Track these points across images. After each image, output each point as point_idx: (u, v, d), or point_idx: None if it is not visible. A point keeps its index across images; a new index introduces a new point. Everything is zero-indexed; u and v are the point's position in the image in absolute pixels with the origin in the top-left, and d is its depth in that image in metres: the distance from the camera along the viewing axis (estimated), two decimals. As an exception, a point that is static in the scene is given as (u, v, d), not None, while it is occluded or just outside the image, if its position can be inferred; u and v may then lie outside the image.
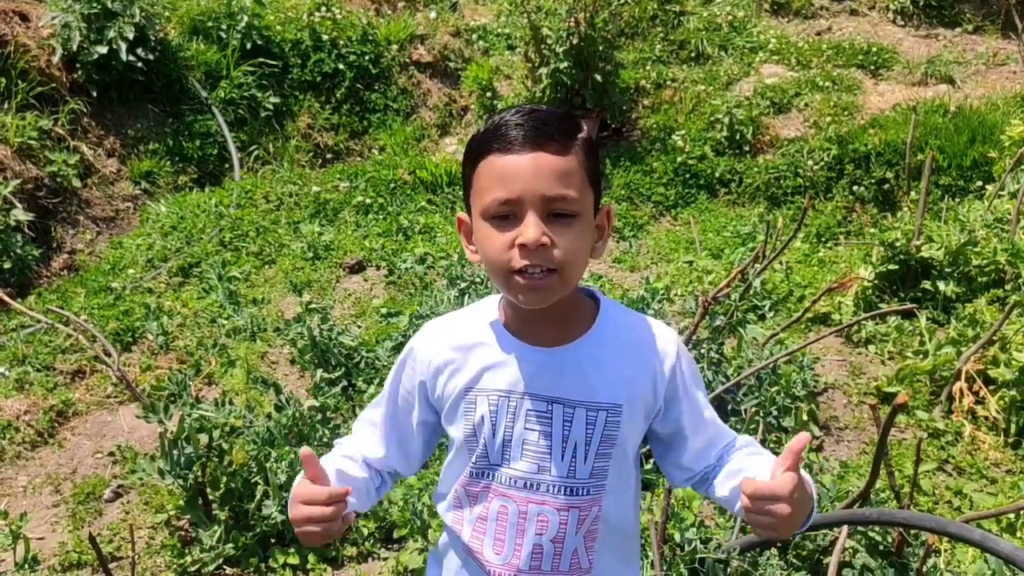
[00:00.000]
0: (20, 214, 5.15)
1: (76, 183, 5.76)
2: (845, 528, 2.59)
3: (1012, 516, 3.05)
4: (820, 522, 2.56)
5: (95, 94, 6.19)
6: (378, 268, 5.43)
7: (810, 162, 6.27)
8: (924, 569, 2.56)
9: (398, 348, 3.90)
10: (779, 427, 3.60)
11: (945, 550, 3.00)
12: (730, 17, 8.16)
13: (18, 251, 5.02)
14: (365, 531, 3.18)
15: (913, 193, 5.57)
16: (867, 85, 7.16)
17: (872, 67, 7.43)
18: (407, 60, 7.68)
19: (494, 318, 1.50)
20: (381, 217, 6.09)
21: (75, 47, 6.02)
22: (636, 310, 3.71)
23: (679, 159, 6.50)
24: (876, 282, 4.62)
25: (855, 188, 6.10)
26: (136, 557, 3.05)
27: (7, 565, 2.96)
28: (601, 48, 6.53)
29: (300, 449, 1.40)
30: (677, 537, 2.97)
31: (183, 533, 3.23)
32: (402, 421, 1.57)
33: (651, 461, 3.16)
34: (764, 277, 4.78)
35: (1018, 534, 3.04)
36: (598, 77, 6.52)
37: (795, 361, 3.84)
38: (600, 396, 1.44)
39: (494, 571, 1.49)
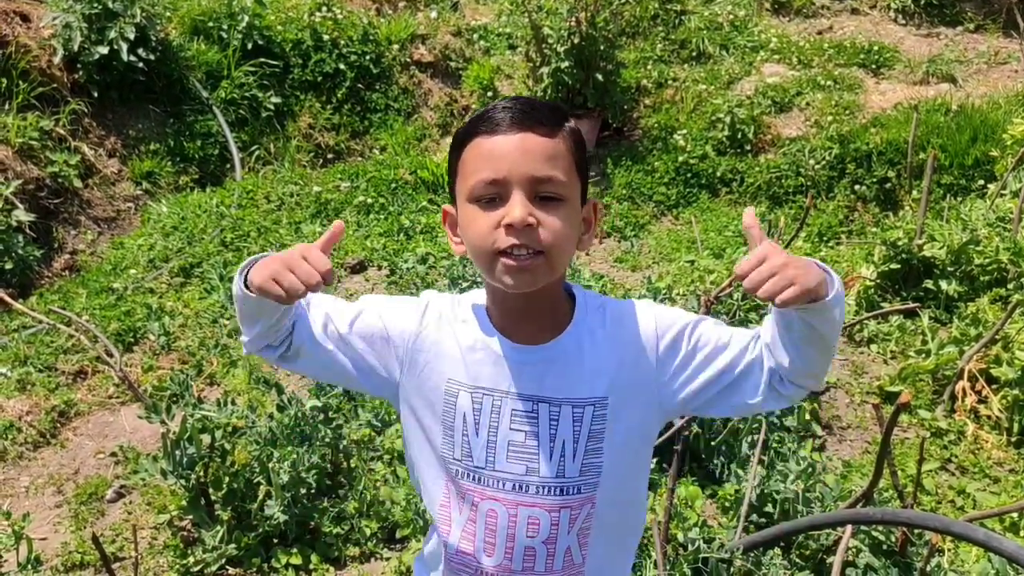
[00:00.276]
0: (21, 215, 5.15)
1: (77, 183, 5.76)
2: (849, 528, 2.59)
3: (1015, 515, 3.05)
4: (824, 522, 2.56)
5: (96, 94, 6.18)
6: (380, 268, 5.42)
7: (812, 161, 6.26)
8: (928, 568, 2.56)
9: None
10: (782, 426, 3.60)
11: (948, 549, 3.00)
12: (731, 16, 8.15)
13: (19, 252, 5.02)
14: (368, 531, 3.18)
15: (915, 192, 5.57)
16: (868, 84, 7.15)
17: (873, 66, 7.42)
18: (408, 60, 7.67)
19: (481, 314, 1.49)
20: (382, 217, 6.09)
21: (76, 47, 6.02)
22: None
23: (680, 158, 6.50)
24: (878, 281, 4.62)
25: (857, 187, 6.09)
26: (139, 557, 3.05)
27: (10, 565, 2.96)
28: (602, 47, 6.53)
29: (336, 222, 1.35)
30: (680, 537, 2.96)
31: (185, 533, 3.23)
32: (352, 341, 1.48)
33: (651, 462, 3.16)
34: (766, 276, 4.76)
35: (1022, 533, 3.04)
36: (599, 76, 6.52)
37: (797, 360, 3.83)
38: (585, 391, 1.42)
39: (487, 572, 1.48)
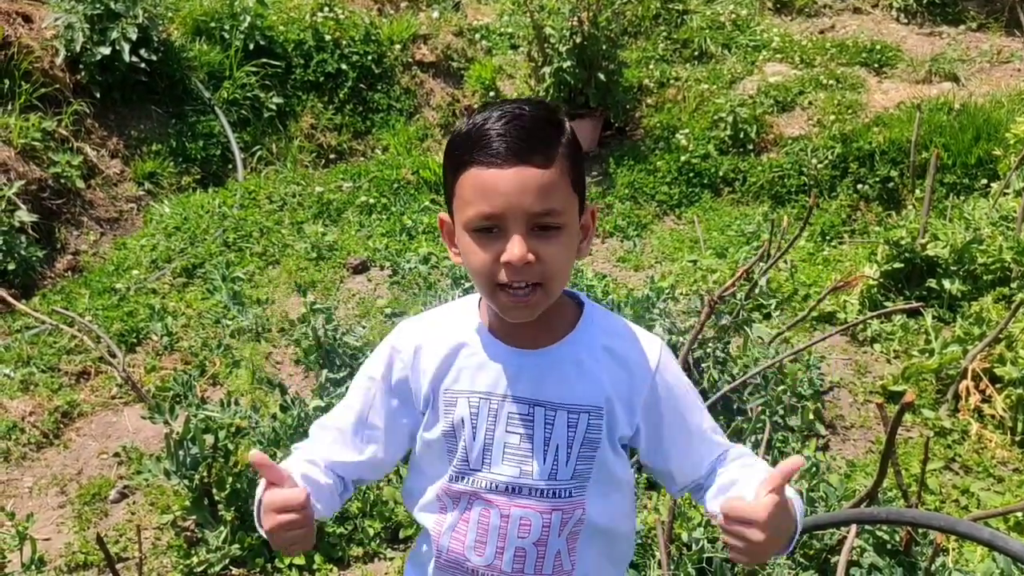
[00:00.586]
0: (24, 215, 5.15)
1: (80, 184, 5.76)
2: (853, 527, 2.58)
3: (1020, 515, 3.04)
4: (828, 521, 2.56)
5: (98, 95, 6.19)
6: (382, 268, 5.42)
7: (814, 160, 6.26)
8: (932, 568, 2.55)
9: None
10: (785, 426, 3.60)
11: (953, 549, 3.00)
12: (733, 16, 8.15)
13: (22, 252, 5.02)
14: (371, 531, 3.18)
15: (918, 191, 5.56)
16: (871, 83, 7.14)
17: (876, 65, 7.41)
18: (410, 60, 7.67)
19: (474, 317, 1.48)
20: (385, 217, 6.09)
21: (78, 48, 6.02)
22: (642, 309, 3.72)
23: (683, 158, 6.49)
24: (881, 280, 4.61)
25: (860, 186, 6.08)
26: (142, 558, 3.05)
27: (14, 566, 2.96)
28: (604, 47, 6.52)
29: (249, 453, 1.32)
30: (684, 536, 2.96)
31: (189, 534, 3.23)
32: (376, 423, 1.51)
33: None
34: (769, 276, 4.77)
35: (1026, 533, 3.03)
36: (601, 76, 6.51)
37: (801, 360, 3.84)
38: (581, 398, 1.43)
39: (477, 572, 1.48)
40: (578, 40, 6.41)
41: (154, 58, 6.28)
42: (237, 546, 3.06)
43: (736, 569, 2.74)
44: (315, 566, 3.06)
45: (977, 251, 4.48)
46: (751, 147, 6.56)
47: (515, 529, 1.45)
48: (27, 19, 6.23)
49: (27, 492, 3.58)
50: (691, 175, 6.48)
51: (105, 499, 3.50)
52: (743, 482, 1.43)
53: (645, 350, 1.48)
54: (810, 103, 6.88)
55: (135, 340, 4.55)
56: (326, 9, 7.35)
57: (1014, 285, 4.38)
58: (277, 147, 6.86)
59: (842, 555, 2.51)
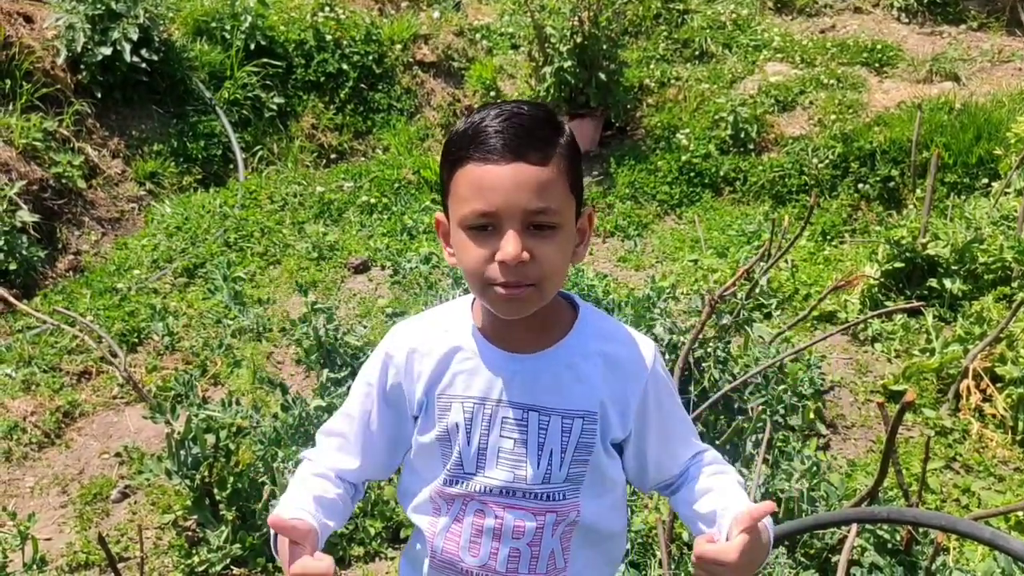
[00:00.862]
0: (25, 215, 5.15)
1: (81, 184, 5.76)
2: (854, 526, 2.58)
3: (1021, 514, 3.04)
4: (829, 521, 2.56)
5: (99, 95, 6.19)
6: (383, 268, 5.43)
7: (815, 160, 6.26)
8: (933, 567, 2.55)
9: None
10: (786, 425, 3.60)
11: (954, 548, 3.00)
12: (734, 15, 8.15)
13: (24, 252, 5.03)
14: (372, 531, 3.18)
15: (919, 191, 5.56)
16: (872, 83, 7.14)
17: (877, 65, 7.41)
18: (411, 60, 7.67)
19: (468, 321, 1.48)
20: (385, 217, 6.09)
21: (79, 48, 6.03)
22: (642, 309, 3.72)
23: (684, 158, 6.49)
24: (882, 280, 4.61)
25: (860, 186, 6.08)
26: (144, 557, 3.05)
27: (15, 566, 2.97)
28: (605, 47, 6.52)
29: (268, 519, 1.34)
30: (685, 536, 2.96)
31: (190, 533, 3.23)
32: (376, 429, 1.52)
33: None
34: (770, 275, 4.77)
35: (1027, 532, 3.03)
36: (602, 76, 6.51)
37: (801, 359, 3.84)
38: (576, 403, 1.43)
39: (471, 573, 1.48)
40: (579, 40, 6.41)
41: (155, 58, 6.28)
42: (238, 546, 3.06)
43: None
44: (316, 565, 3.06)
45: (978, 250, 4.48)
46: (752, 147, 6.56)
47: (509, 530, 1.45)
48: (28, 19, 6.24)
49: (28, 492, 3.58)
50: (692, 175, 6.48)
51: (106, 499, 3.51)
52: (717, 492, 1.47)
53: (640, 355, 1.48)
54: (811, 103, 6.88)
55: (136, 340, 4.55)
56: (327, 9, 7.35)
57: (1015, 284, 4.38)
58: (278, 147, 6.86)
59: (843, 554, 2.51)
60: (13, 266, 4.94)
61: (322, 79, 7.20)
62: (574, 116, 6.71)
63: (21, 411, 3.94)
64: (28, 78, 5.80)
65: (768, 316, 4.66)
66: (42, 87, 5.84)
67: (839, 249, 5.56)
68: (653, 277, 4.75)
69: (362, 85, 7.33)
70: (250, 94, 6.85)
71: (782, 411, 3.59)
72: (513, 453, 1.43)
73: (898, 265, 4.57)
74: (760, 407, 3.45)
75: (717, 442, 3.38)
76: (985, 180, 5.71)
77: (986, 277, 4.47)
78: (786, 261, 5.12)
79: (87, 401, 4.10)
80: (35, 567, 2.92)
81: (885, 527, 2.81)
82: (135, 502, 3.49)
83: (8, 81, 5.74)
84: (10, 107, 5.70)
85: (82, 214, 5.72)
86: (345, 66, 7.25)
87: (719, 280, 4.94)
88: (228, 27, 6.99)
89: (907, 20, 8.22)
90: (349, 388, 3.70)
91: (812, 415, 3.70)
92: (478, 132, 1.31)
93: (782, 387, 3.61)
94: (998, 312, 4.12)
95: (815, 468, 3.04)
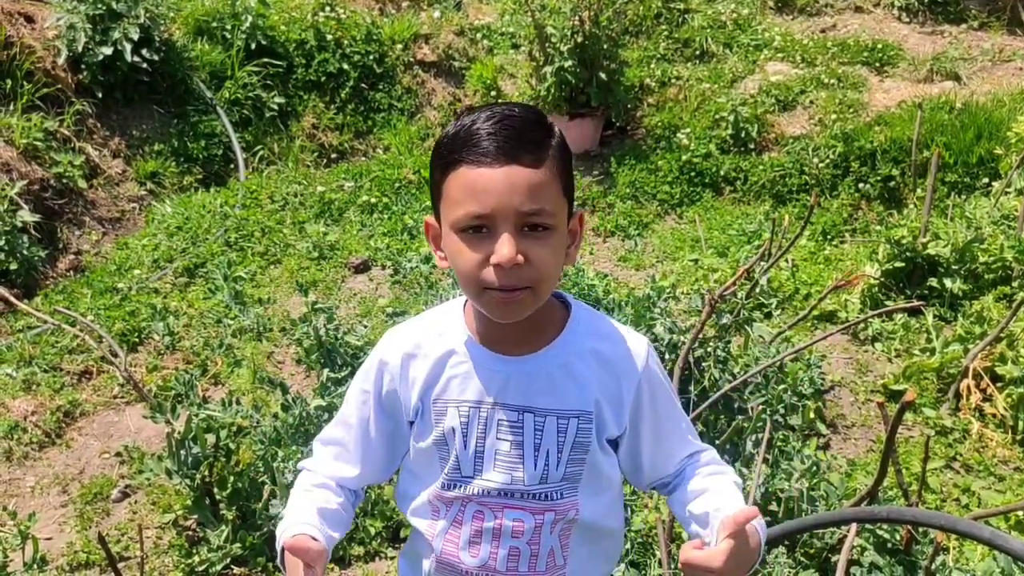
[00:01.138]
0: (26, 215, 5.16)
1: (82, 184, 5.77)
2: (854, 526, 2.58)
3: (1021, 513, 3.04)
4: (828, 520, 2.56)
5: (100, 95, 6.19)
6: (383, 268, 5.43)
7: (815, 160, 6.25)
8: (932, 567, 2.55)
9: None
10: (786, 425, 3.60)
11: (953, 548, 3.00)
12: (734, 15, 8.14)
13: (24, 252, 5.03)
14: (372, 530, 3.19)
15: (919, 190, 5.56)
16: (872, 82, 7.14)
17: (877, 64, 7.41)
18: (411, 59, 7.67)
19: (461, 324, 1.47)
20: (386, 217, 6.09)
21: (80, 48, 6.03)
22: (643, 308, 3.72)
23: (684, 157, 6.49)
24: (882, 279, 4.61)
25: (861, 186, 6.08)
26: (144, 557, 3.06)
27: (16, 565, 2.97)
28: (605, 46, 6.52)
29: (284, 544, 1.37)
30: (684, 536, 2.96)
31: (191, 533, 3.24)
32: (374, 435, 1.53)
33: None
34: (770, 275, 4.77)
35: (1027, 532, 3.03)
36: (603, 75, 6.51)
37: (802, 359, 3.84)
38: (571, 403, 1.43)
39: (471, 574, 1.49)
40: (579, 39, 6.40)
41: (156, 58, 6.28)
42: (238, 545, 3.07)
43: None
44: (316, 565, 3.06)
45: (978, 250, 4.48)
46: (752, 146, 6.56)
47: (508, 530, 1.46)
48: (29, 19, 6.24)
49: (29, 491, 3.59)
50: (692, 174, 6.47)
51: (107, 498, 3.51)
52: (712, 493, 1.47)
53: (632, 351, 1.48)
54: (811, 102, 6.88)
55: (137, 340, 4.56)
56: (327, 9, 7.35)
57: (1015, 284, 4.38)
58: (279, 147, 6.86)
59: (842, 554, 2.51)
60: (14, 266, 4.94)
61: (323, 79, 7.20)
62: (574, 116, 6.71)
63: (22, 411, 3.94)
64: (29, 78, 5.81)
65: (768, 316, 4.66)
66: (43, 87, 5.85)
67: (839, 249, 5.56)
68: (653, 277, 4.75)
69: (363, 85, 7.33)
70: (251, 94, 6.85)
71: (782, 411, 3.59)
72: (510, 455, 1.43)
73: (898, 265, 4.57)
74: (760, 407, 3.45)
75: (717, 442, 3.39)
76: (986, 179, 5.70)
77: (986, 277, 4.47)
78: (786, 261, 5.12)
79: (88, 401, 4.10)
80: (35, 567, 2.92)
81: (885, 527, 2.81)
82: (135, 502, 3.49)
83: (9, 81, 5.75)
84: (11, 107, 5.71)
85: (83, 214, 5.73)
86: (346, 66, 7.25)
87: (719, 280, 4.94)
88: (229, 27, 6.99)
89: (908, 19, 8.22)
90: (345, 396, 3.73)
91: (812, 415, 3.70)
92: (470, 135, 1.30)
93: (782, 387, 3.61)
94: (998, 312, 4.12)
95: (815, 468, 3.04)
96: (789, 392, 3.61)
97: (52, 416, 3.94)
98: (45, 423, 3.90)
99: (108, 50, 6.04)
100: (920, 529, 2.74)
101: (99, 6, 6.05)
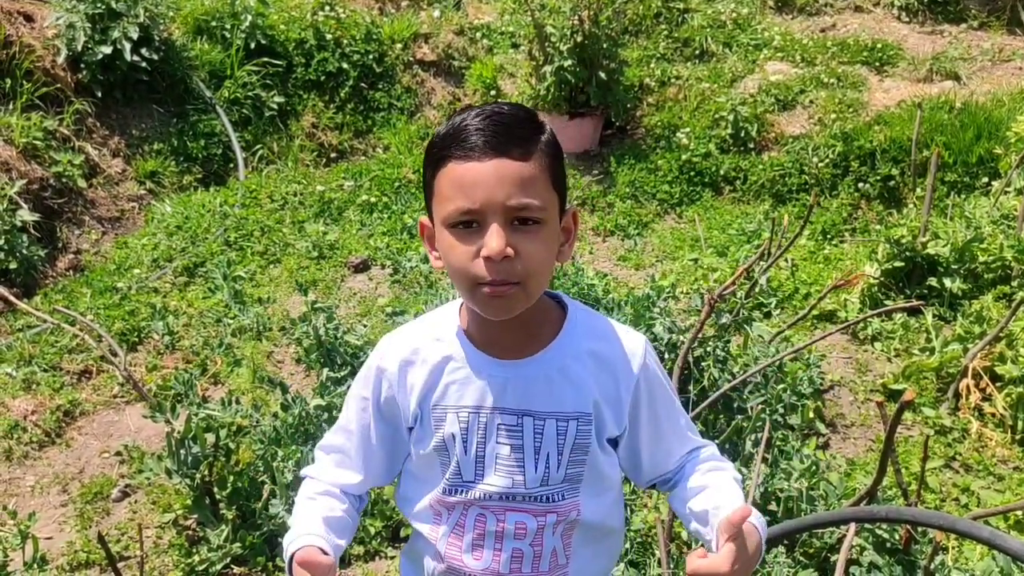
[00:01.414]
0: (26, 214, 5.16)
1: (81, 183, 5.77)
2: (853, 525, 2.59)
3: (1020, 513, 3.05)
4: (828, 520, 2.56)
5: (100, 94, 6.19)
6: (383, 267, 5.43)
7: (815, 159, 6.26)
8: (932, 566, 2.55)
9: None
10: (785, 424, 3.60)
11: (953, 547, 3.00)
12: (734, 14, 8.14)
13: (24, 251, 5.03)
14: (372, 530, 3.19)
15: (919, 190, 5.56)
16: (872, 82, 7.14)
17: (877, 64, 7.41)
18: (411, 59, 7.67)
19: (456, 329, 1.47)
20: (386, 216, 6.09)
21: (80, 47, 6.03)
22: (642, 308, 3.72)
23: (684, 157, 6.49)
24: (882, 279, 4.62)
25: (860, 185, 6.08)
26: (144, 556, 3.06)
27: (16, 565, 2.97)
28: (605, 46, 6.52)
29: (296, 558, 1.35)
30: (684, 535, 2.97)
31: (190, 532, 3.24)
32: (375, 442, 1.53)
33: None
34: (770, 274, 4.77)
35: (1026, 531, 3.04)
36: (602, 75, 6.51)
37: (801, 358, 3.84)
38: (569, 406, 1.43)
39: (474, 575, 1.49)
40: (579, 39, 6.40)
41: (155, 57, 6.28)
42: (238, 545, 3.07)
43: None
44: (316, 564, 3.06)
45: (978, 249, 4.48)
46: (752, 146, 6.56)
47: (511, 532, 1.46)
48: (28, 18, 6.24)
49: (29, 491, 3.59)
50: (692, 174, 6.47)
51: (107, 498, 3.51)
52: (712, 490, 1.47)
53: (630, 350, 1.48)
54: (811, 102, 6.88)
55: (136, 339, 4.56)
56: (327, 8, 7.35)
57: (1015, 283, 4.38)
58: (278, 146, 6.86)
59: (841, 553, 2.52)
60: (13, 265, 4.94)
61: (322, 78, 7.20)
62: (574, 115, 6.71)
63: (21, 410, 3.94)
64: (28, 77, 5.80)
65: (768, 315, 4.66)
66: (42, 86, 5.84)
67: (839, 248, 5.56)
68: (653, 276, 4.76)
69: (362, 84, 7.33)
70: (250, 93, 6.85)
71: (781, 410, 3.59)
72: (510, 459, 1.43)
73: (898, 264, 4.57)
74: (759, 406, 3.46)
75: (716, 441, 3.39)
76: (985, 179, 5.70)
77: (986, 276, 4.47)
78: (786, 260, 5.12)
79: (87, 400, 4.11)
80: (35, 566, 2.92)
81: (884, 526, 2.81)
82: (135, 501, 3.50)
83: (8, 80, 5.75)
84: (10, 106, 5.71)
85: (82, 213, 5.73)
86: (345, 65, 7.25)
87: (719, 279, 4.94)
88: (228, 26, 6.99)
89: (907, 19, 8.22)
90: (349, 387, 3.72)
91: (811, 414, 3.70)
92: (459, 132, 1.31)
93: (781, 386, 3.61)
94: (998, 311, 4.12)
95: (814, 467, 3.04)
96: (788, 392, 3.61)
97: (52, 415, 3.94)
98: (45, 422, 3.90)
99: (107, 49, 6.04)
100: (919, 529, 2.75)
101: (99, 5, 6.05)
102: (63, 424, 3.96)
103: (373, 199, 6.22)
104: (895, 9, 8.29)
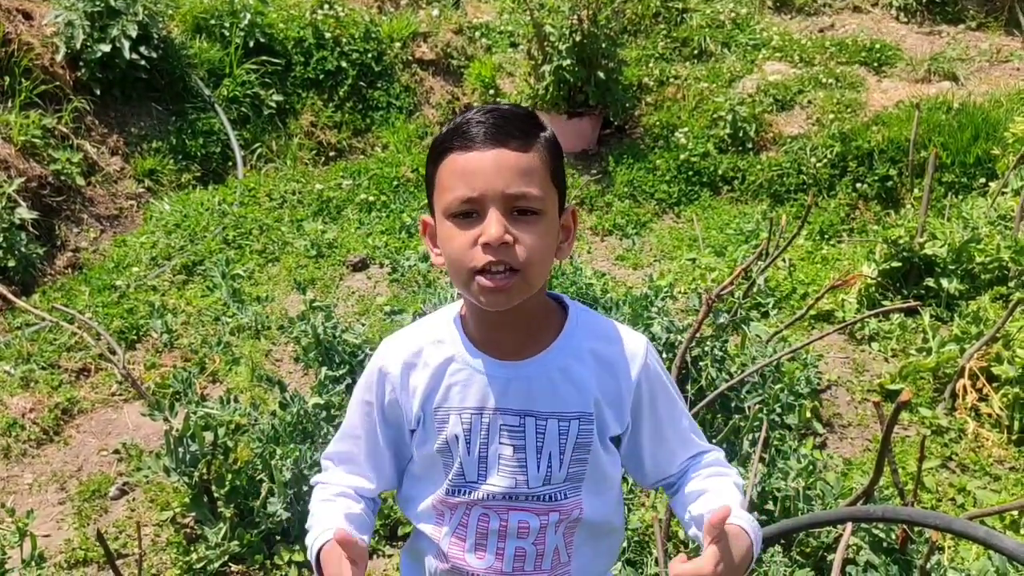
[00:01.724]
0: (24, 212, 5.16)
1: (80, 181, 5.76)
2: (849, 525, 2.59)
3: (1016, 513, 3.06)
4: (824, 519, 2.57)
5: (98, 92, 6.18)
6: (381, 266, 5.43)
7: (813, 159, 6.26)
8: (928, 566, 2.56)
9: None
10: (783, 424, 3.61)
11: (949, 547, 3.01)
12: (733, 14, 8.15)
13: (22, 249, 5.03)
14: (370, 528, 3.19)
15: (916, 190, 5.57)
16: (870, 82, 7.15)
17: (875, 64, 7.42)
18: (410, 58, 7.67)
19: (457, 331, 1.48)
20: (384, 215, 6.10)
21: (78, 45, 6.02)
22: (640, 308, 3.73)
23: (682, 156, 6.50)
24: (879, 279, 4.63)
25: (858, 185, 6.09)
26: (142, 554, 3.06)
27: (14, 562, 2.98)
28: (604, 45, 6.52)
29: (335, 535, 1.33)
30: (681, 534, 2.97)
31: (188, 530, 3.24)
32: (383, 444, 1.54)
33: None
34: (767, 274, 4.78)
35: (1022, 531, 3.05)
36: (601, 74, 6.52)
37: (798, 358, 3.85)
38: (571, 406, 1.44)
39: (477, 574, 1.50)
40: (578, 38, 6.41)
41: (154, 55, 6.28)
42: (236, 543, 3.07)
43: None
44: (314, 563, 3.07)
45: (975, 250, 4.49)
46: (750, 146, 6.56)
47: (514, 531, 1.47)
48: (27, 16, 6.23)
49: (27, 489, 3.59)
50: (690, 173, 6.48)
51: (105, 496, 3.52)
52: (711, 494, 1.48)
53: (631, 351, 1.49)
54: (809, 102, 6.89)
55: (135, 337, 4.56)
56: (326, 7, 7.35)
57: (1011, 284, 4.39)
58: (277, 145, 6.86)
59: (838, 553, 2.52)
60: (12, 263, 4.94)
61: (321, 77, 7.20)
62: (573, 115, 6.71)
63: (20, 408, 3.94)
64: (27, 75, 5.80)
65: (765, 315, 4.67)
66: (41, 84, 5.84)
67: (837, 248, 5.57)
68: (651, 276, 4.77)
69: (361, 83, 7.33)
70: (249, 92, 6.85)
71: (779, 410, 3.60)
72: (513, 459, 1.44)
73: (895, 264, 4.58)
74: (757, 406, 3.46)
75: (714, 441, 3.40)
76: (983, 180, 5.71)
77: (983, 277, 4.48)
78: (784, 260, 5.13)
79: (86, 398, 4.11)
80: (34, 564, 2.92)
81: (880, 526, 2.82)
82: (133, 499, 3.50)
83: (7, 78, 5.74)
84: (9, 104, 5.70)
85: (81, 211, 5.73)
86: (344, 64, 7.25)
87: (717, 279, 4.95)
88: (227, 24, 6.99)
89: (906, 19, 8.23)
90: (347, 386, 3.72)
91: (809, 414, 3.71)
92: (460, 126, 1.34)
93: (779, 386, 3.62)
94: (995, 312, 4.13)
95: (811, 467, 3.05)
96: (786, 391, 3.62)
97: (50, 413, 3.94)
98: (43, 420, 3.90)
99: (106, 47, 6.04)
100: (916, 528, 2.76)
101: (97, 3, 6.05)
102: (61, 422, 3.96)
103: (372, 198, 6.22)
104: (893, 9, 8.30)
